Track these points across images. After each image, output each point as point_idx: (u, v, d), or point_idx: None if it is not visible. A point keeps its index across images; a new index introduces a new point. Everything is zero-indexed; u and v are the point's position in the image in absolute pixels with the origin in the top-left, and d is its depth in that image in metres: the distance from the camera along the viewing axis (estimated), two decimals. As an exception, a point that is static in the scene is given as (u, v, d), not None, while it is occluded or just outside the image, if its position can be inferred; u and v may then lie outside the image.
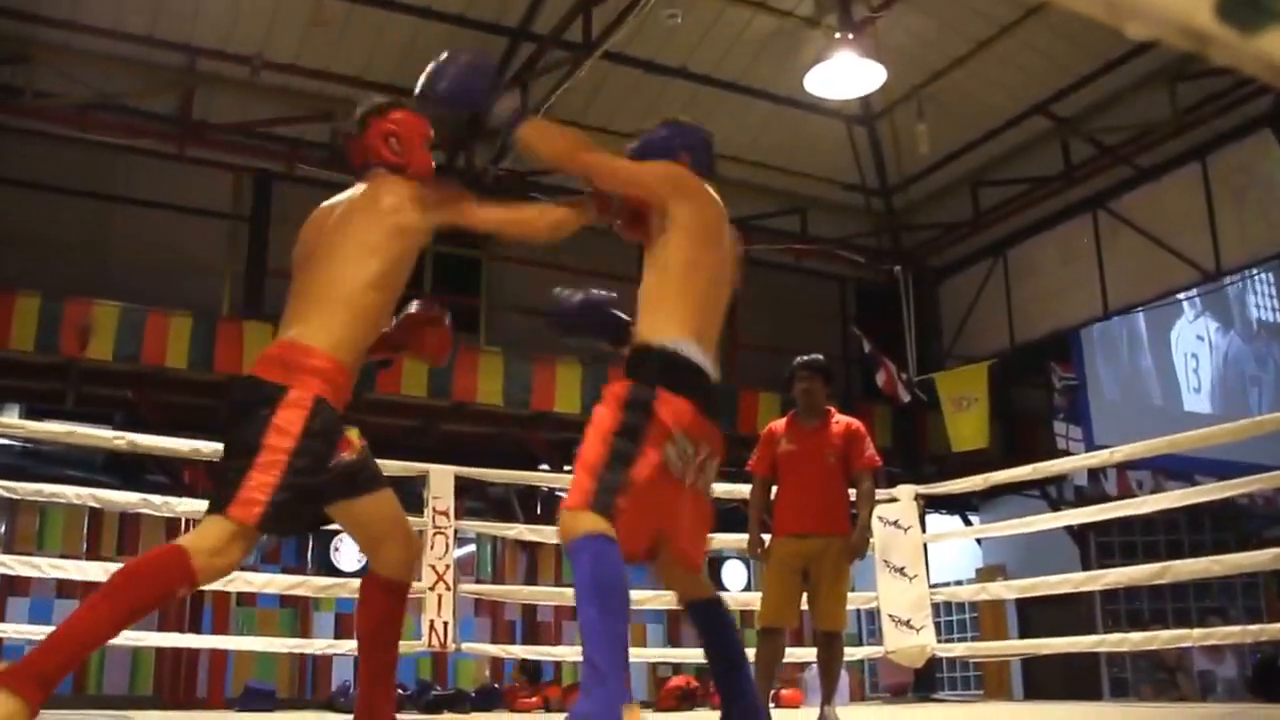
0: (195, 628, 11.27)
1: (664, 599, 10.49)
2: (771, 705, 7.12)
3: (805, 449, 6.71)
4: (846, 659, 7.52)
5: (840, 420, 6.83)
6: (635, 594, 10.65)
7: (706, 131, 4.24)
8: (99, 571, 8.57)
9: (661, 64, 13.51)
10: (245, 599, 13.11)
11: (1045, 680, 15.27)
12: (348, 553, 15.05)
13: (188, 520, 11.55)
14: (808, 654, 8.87)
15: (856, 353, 16.05)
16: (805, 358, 6.92)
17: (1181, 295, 14.13)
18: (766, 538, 6.76)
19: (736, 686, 3.69)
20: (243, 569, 11.89)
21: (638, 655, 13.48)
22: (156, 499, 8.13)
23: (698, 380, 3.60)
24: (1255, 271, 12.79)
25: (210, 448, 7.99)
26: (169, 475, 12.69)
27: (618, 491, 3.33)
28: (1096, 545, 15.04)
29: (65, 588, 13.30)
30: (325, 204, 4.03)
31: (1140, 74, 12.92)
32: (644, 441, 3.41)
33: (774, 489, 6.90)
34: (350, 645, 10.30)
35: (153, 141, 12.93)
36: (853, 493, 6.82)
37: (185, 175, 13.34)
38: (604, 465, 3.37)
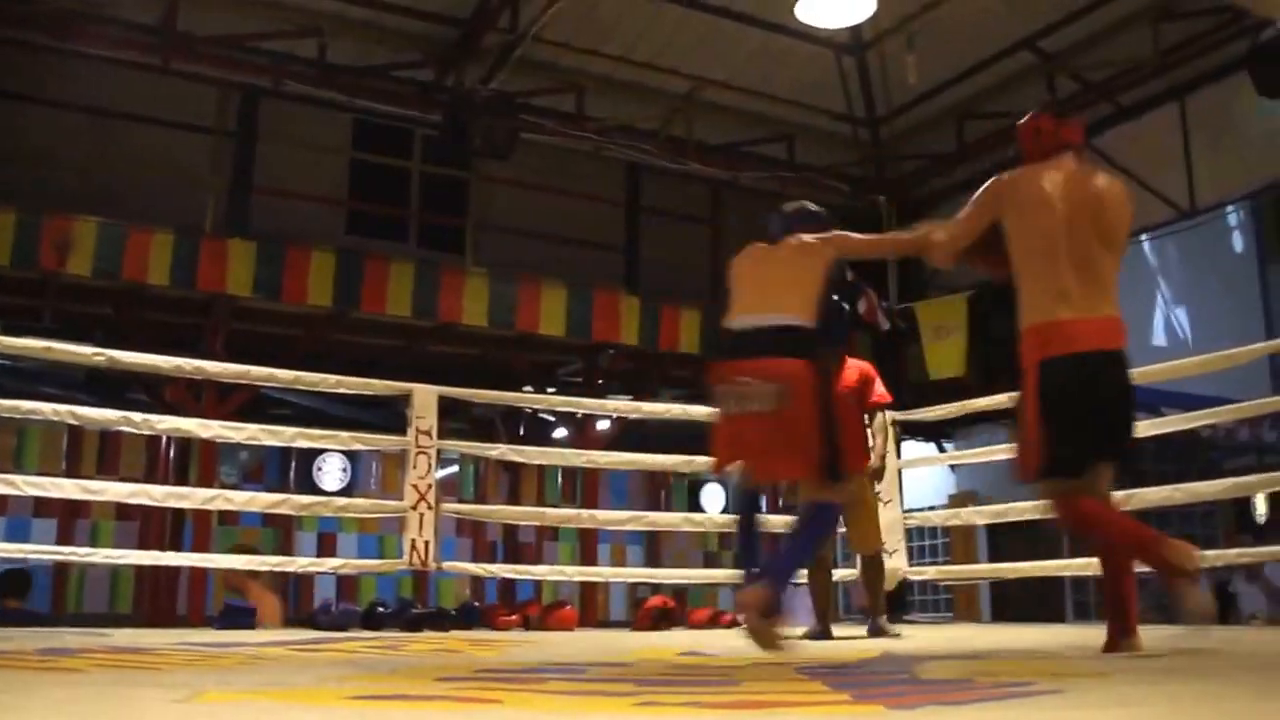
0: (176, 546, 11.30)
1: (644, 520, 10.67)
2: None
3: None
4: (840, 579, 8.60)
5: (854, 364, 7.59)
6: (617, 514, 10.74)
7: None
8: (77, 490, 8.61)
9: (652, -13, 13.44)
10: (227, 518, 13.14)
11: (1013, 603, 15.49)
12: (330, 472, 15.14)
13: (168, 438, 11.70)
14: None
15: (839, 280, 16.09)
16: None
17: (1157, 232, 14.20)
18: None
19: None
20: (224, 487, 12.02)
21: (617, 575, 13.70)
22: (137, 416, 8.11)
23: (730, 342, 5.08)
24: (1228, 210, 12.91)
25: (193, 365, 8.06)
26: (150, 393, 12.66)
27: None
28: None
29: (43, 506, 13.30)
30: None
31: (1125, 12, 12.94)
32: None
33: None
34: (333, 563, 10.47)
35: (136, 53, 12.72)
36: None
37: (169, 89, 13.07)
38: None
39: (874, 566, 7.64)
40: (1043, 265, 4.51)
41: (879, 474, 7.61)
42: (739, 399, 4.83)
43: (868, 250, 6.18)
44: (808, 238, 5.38)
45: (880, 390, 7.58)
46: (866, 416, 7.56)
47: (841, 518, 7.26)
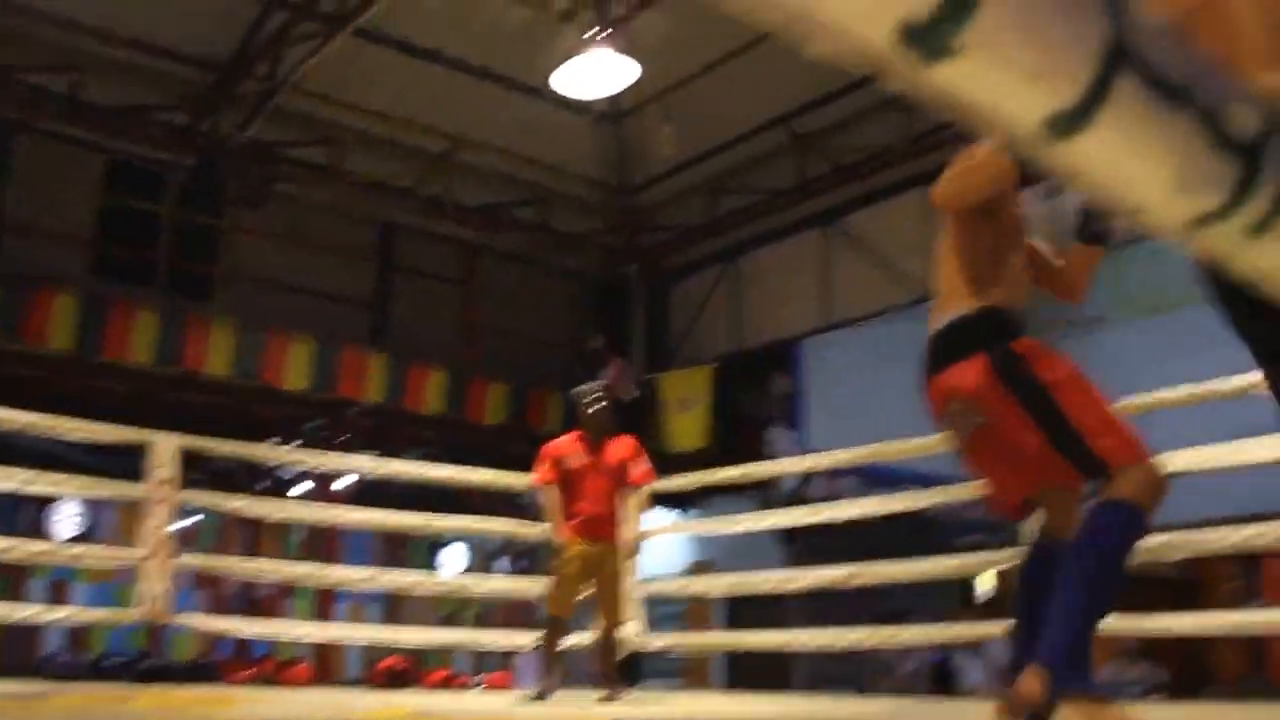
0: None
1: (382, 580, 10.58)
2: (479, 688, 7.66)
3: (594, 465, 7.66)
4: (574, 644, 8.53)
5: (621, 440, 7.84)
6: (355, 573, 10.61)
7: None
8: None
9: (416, 44, 13.42)
10: (-48, 563, 12.50)
11: (746, 672, 15.77)
12: (66, 518, 14.60)
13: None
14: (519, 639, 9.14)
15: (587, 347, 16.29)
16: (600, 384, 8.04)
17: (901, 313, 14.73)
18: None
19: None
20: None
21: (353, 634, 13.53)
22: None
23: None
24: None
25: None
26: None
27: None
28: (802, 546, 15.57)
29: None
30: None
31: (877, 99, 13.36)
32: None
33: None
34: (63, 613, 10.12)
35: None
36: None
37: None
38: None
39: (614, 636, 7.87)
40: None
41: (634, 551, 7.91)
42: (950, 422, 3.91)
43: None
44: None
45: (645, 468, 7.85)
46: (625, 492, 7.81)
47: (595, 590, 7.71)
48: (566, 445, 7.77)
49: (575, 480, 7.62)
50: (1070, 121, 0.89)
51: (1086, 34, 0.89)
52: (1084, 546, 3.41)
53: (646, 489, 8.15)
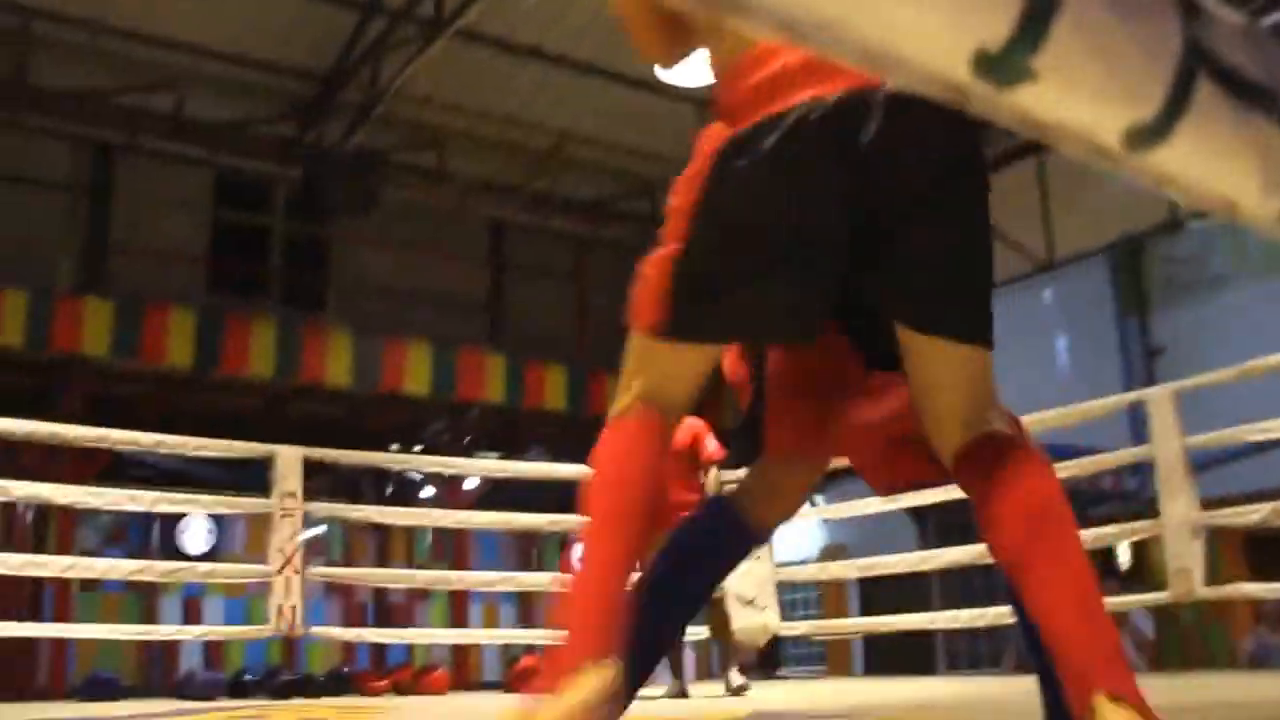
0: (35, 614, 10.91)
1: (514, 581, 10.54)
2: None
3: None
4: (692, 637, 8.50)
5: (687, 422, 7.38)
6: (487, 575, 10.57)
7: None
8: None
9: (514, 43, 13.38)
10: (89, 584, 12.74)
11: (885, 656, 15.57)
12: (195, 534, 14.75)
13: (24, 505, 11.34)
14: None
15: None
16: None
17: (1016, 284, 14.46)
18: None
19: None
20: (85, 553, 11.65)
21: (490, 637, 13.52)
22: (-8, 481, 7.83)
23: None
24: (1086, 261, 13.36)
25: (48, 430, 7.76)
26: (4, 457, 12.21)
27: None
28: (935, 525, 15.31)
29: None
30: None
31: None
32: None
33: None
34: (197, 631, 10.21)
35: (-16, 108, 12.33)
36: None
37: (19, 144, 12.75)
38: None
39: (721, 617, 7.98)
40: None
41: None
42: None
43: None
44: None
45: (714, 447, 7.76)
46: (701, 473, 7.79)
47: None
48: None
49: None
50: (1151, 133, 0.88)
51: (1162, 44, 0.87)
52: None
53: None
